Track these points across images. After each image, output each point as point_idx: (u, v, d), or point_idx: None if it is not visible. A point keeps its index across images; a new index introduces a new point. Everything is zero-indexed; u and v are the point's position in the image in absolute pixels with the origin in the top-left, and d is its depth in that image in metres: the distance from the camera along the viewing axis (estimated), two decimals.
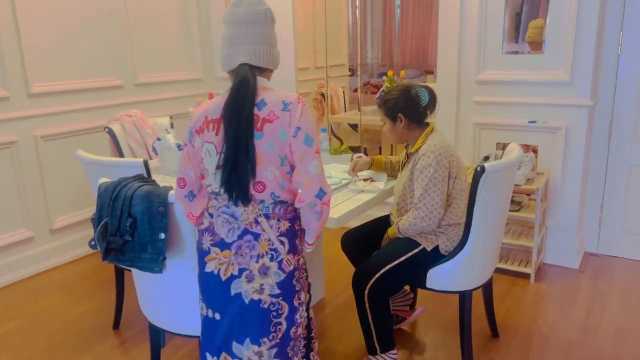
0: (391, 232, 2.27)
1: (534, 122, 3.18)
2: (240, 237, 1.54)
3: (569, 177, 3.18)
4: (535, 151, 3.22)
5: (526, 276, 3.13)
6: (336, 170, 2.72)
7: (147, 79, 3.97)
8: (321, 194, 1.51)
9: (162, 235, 1.71)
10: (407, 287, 2.68)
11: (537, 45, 3.13)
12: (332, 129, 4.97)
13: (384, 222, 2.45)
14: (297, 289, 1.59)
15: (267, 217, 1.52)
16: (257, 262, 1.54)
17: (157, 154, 2.91)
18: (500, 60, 3.25)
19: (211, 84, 4.48)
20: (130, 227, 1.70)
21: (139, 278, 1.98)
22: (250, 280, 1.55)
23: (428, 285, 2.21)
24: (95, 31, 3.59)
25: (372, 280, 2.14)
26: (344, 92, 5.33)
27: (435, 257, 2.18)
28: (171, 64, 4.18)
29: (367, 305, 2.16)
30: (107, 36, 3.66)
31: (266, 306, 1.55)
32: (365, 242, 2.46)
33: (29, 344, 2.60)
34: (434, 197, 2.09)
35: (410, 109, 2.19)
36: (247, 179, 1.47)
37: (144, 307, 2.04)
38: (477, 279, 2.23)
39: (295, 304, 1.59)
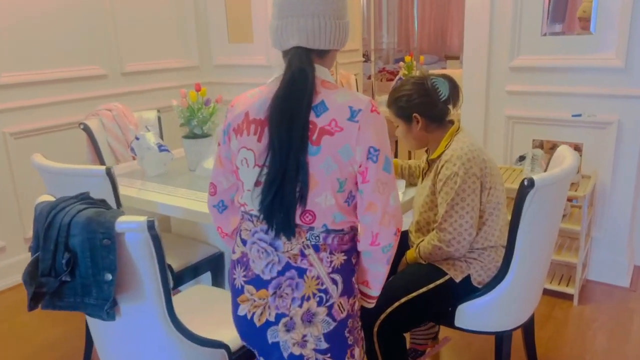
0: (410, 255, 1.84)
1: (579, 115, 2.70)
2: (281, 273, 1.21)
3: (619, 180, 2.70)
4: (579, 150, 2.74)
5: (568, 297, 2.68)
6: None
7: (135, 67, 3.55)
8: (396, 232, 1.20)
9: (108, 276, 1.29)
10: None
11: (590, 24, 2.64)
12: None
13: (400, 239, 2.01)
14: (350, 342, 1.24)
15: (316, 248, 1.19)
16: (301, 306, 1.20)
17: (135, 155, 2.51)
18: (538, 43, 2.76)
19: (208, 71, 4.05)
20: (67, 265, 1.29)
21: (91, 321, 1.58)
22: (289, 329, 1.22)
23: (457, 323, 1.78)
24: (73, 14, 3.17)
25: (383, 315, 1.71)
26: (356, 80, 4.87)
27: (466, 289, 1.74)
28: (163, 50, 3.75)
29: (376, 345, 1.73)
30: (87, 19, 3.24)
31: None
32: None
33: None
34: (463, 214, 1.65)
35: (427, 106, 1.74)
36: (293, 206, 1.14)
37: (101, 354, 1.64)
38: (519, 316, 1.79)
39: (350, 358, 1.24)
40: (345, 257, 1.21)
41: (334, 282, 1.19)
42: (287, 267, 1.20)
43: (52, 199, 1.44)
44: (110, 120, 2.85)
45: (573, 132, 2.76)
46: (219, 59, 3.99)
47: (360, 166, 1.13)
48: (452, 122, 1.81)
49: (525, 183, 1.52)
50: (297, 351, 1.22)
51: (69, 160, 3.08)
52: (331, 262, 1.19)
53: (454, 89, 1.77)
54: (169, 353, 1.46)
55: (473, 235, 1.67)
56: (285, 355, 1.23)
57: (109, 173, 1.82)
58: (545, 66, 2.75)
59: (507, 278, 1.67)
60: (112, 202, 1.88)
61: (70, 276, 1.31)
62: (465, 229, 1.65)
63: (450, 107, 1.79)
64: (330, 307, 1.19)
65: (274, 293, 1.22)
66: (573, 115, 2.72)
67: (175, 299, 1.94)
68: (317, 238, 1.18)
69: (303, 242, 1.19)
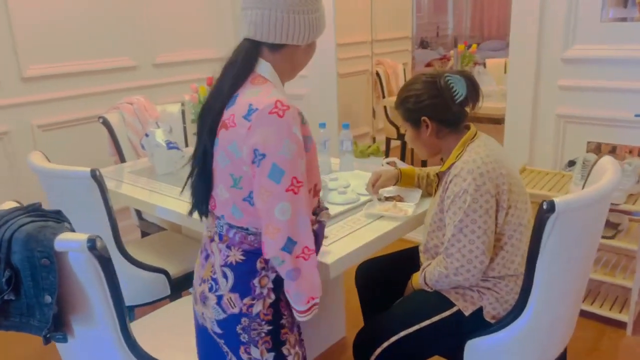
0: (415, 280, 1.61)
1: None
2: (201, 253, 1.31)
3: None
4: None
5: (621, 325, 2.32)
6: (357, 179, 2.07)
7: (166, 58, 3.48)
8: (290, 246, 1.09)
9: (48, 298, 1.17)
10: None
11: None
12: (387, 114, 4.26)
13: (411, 257, 1.79)
14: (244, 339, 1.20)
15: (220, 238, 1.22)
16: (200, 285, 1.27)
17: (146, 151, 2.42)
18: (597, 30, 2.39)
19: None
20: (7, 283, 1.19)
21: None
22: (196, 302, 1.30)
23: None
24: (103, 4, 3.12)
25: (379, 349, 1.50)
26: (404, 70, 4.57)
27: (477, 324, 1.49)
28: (196, 40, 3.65)
29: None
30: (116, 9, 3.19)
31: (212, 337, 1.26)
32: (384, 282, 1.81)
33: None
34: (473, 239, 1.40)
35: (438, 108, 1.50)
36: (202, 188, 1.22)
37: None
38: (542, 358, 1.51)
39: (243, 357, 1.22)
40: (243, 257, 1.18)
41: (225, 275, 1.19)
42: (204, 248, 1.28)
43: (13, 205, 1.35)
44: (131, 114, 2.78)
45: (636, 134, 2.38)
46: None
47: (250, 168, 1.10)
48: (468, 127, 1.55)
49: (544, 207, 1.25)
50: (201, 322, 1.28)
51: (95, 154, 3.08)
52: (227, 256, 1.20)
53: (473, 88, 1.51)
54: None
55: (485, 262, 1.42)
56: (199, 324, 1.31)
57: (95, 176, 1.72)
58: (604, 57, 2.38)
59: (525, 315, 1.41)
60: (100, 205, 1.79)
61: (15, 295, 1.21)
62: (475, 256, 1.40)
63: (468, 109, 1.54)
64: (219, 298, 1.20)
65: (197, 270, 1.30)
66: (636, 115, 2.34)
67: (163, 311, 1.83)
68: (222, 228, 1.21)
69: (214, 229, 1.23)
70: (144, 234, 2.77)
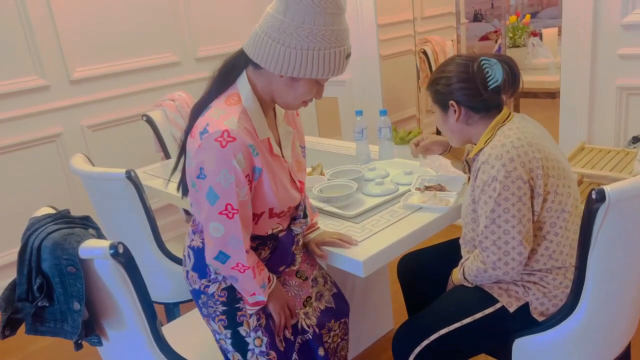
0: (455, 276, 1.52)
1: None
2: None
3: None
4: None
5: None
6: (397, 168, 1.98)
7: (207, 51, 3.49)
8: (222, 258, 1.23)
9: (77, 305, 1.18)
10: None
11: None
12: None
13: (455, 248, 1.69)
14: (204, 312, 1.38)
15: (193, 222, 1.38)
16: (184, 250, 1.43)
17: None
18: None
19: None
20: (39, 290, 1.21)
21: None
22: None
23: None
24: (140, 1, 3.15)
25: (419, 348, 1.43)
26: (453, 46, 4.36)
27: (523, 321, 1.38)
28: (237, 31, 3.63)
29: None
30: (157, 5, 3.21)
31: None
32: (427, 275, 1.73)
33: None
34: (507, 229, 1.29)
35: (468, 93, 1.39)
36: (182, 178, 1.34)
37: None
38: (598, 358, 1.39)
39: (208, 325, 1.40)
40: (202, 244, 1.30)
41: (189, 255, 1.36)
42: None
43: (50, 211, 1.37)
44: (174, 110, 2.81)
45: None
46: None
47: (196, 180, 1.20)
48: (499, 111, 1.42)
49: (594, 196, 1.12)
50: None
51: (144, 152, 3.14)
52: (192, 239, 1.35)
53: (511, 74, 1.38)
54: None
55: (524, 253, 1.31)
56: None
57: (130, 176, 1.73)
58: None
59: (577, 313, 1.29)
60: (138, 205, 1.80)
61: (48, 301, 1.23)
62: (512, 247, 1.30)
63: (505, 97, 1.41)
64: (187, 273, 1.37)
65: None
66: None
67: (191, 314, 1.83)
68: (193, 214, 1.35)
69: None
70: None
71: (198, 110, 1.24)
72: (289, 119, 1.38)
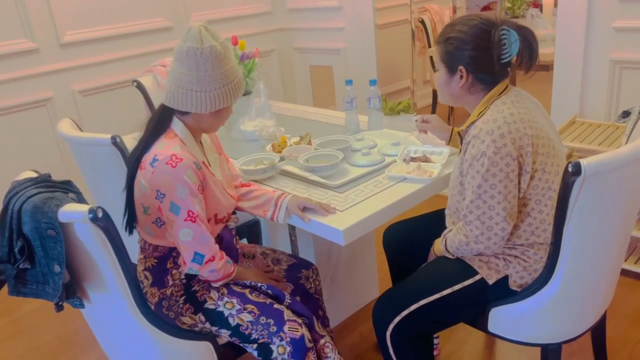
0: (437, 246, 1.53)
1: None
2: None
3: None
4: None
5: None
6: (385, 138, 1.97)
7: (202, 16, 3.43)
8: (198, 258, 1.38)
9: (57, 268, 1.20)
10: None
11: None
12: (433, 65, 4.04)
13: (440, 218, 1.70)
14: (172, 315, 1.46)
15: (141, 249, 1.50)
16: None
17: None
18: None
19: (281, 17, 3.82)
20: (21, 252, 1.22)
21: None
22: None
23: (491, 329, 1.47)
24: None
25: (398, 318, 1.45)
26: (451, 16, 4.29)
27: (501, 292, 1.41)
28: None
29: (391, 350, 1.49)
30: None
31: None
32: (412, 245, 1.75)
33: None
34: (492, 205, 1.30)
35: (481, 62, 1.35)
36: (127, 209, 1.44)
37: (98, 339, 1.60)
38: (573, 328, 1.42)
39: (185, 324, 1.47)
40: (156, 261, 1.46)
41: (146, 277, 1.48)
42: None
43: (32, 175, 1.37)
44: (164, 76, 2.78)
45: None
46: (291, 2, 3.72)
47: (155, 202, 1.35)
48: (497, 82, 1.40)
49: (570, 169, 1.13)
50: None
51: (136, 118, 3.09)
52: (144, 263, 1.48)
53: (529, 48, 1.33)
54: (145, 345, 1.37)
55: (507, 229, 1.32)
56: None
57: (115, 142, 1.73)
58: None
59: (552, 284, 1.31)
60: (123, 171, 1.80)
61: (30, 263, 1.25)
62: (496, 223, 1.31)
63: (518, 70, 1.38)
64: (145, 293, 1.48)
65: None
66: None
67: None
68: (141, 242, 1.49)
69: (139, 243, 1.51)
70: None
71: (138, 157, 1.38)
72: (215, 145, 1.60)
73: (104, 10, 3.03)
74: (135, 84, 2.71)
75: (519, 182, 1.30)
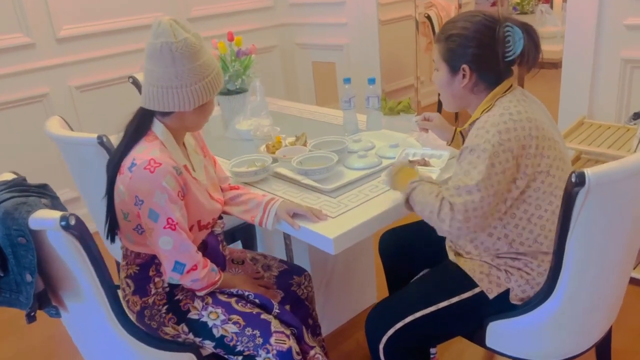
0: (404, 183, 1.39)
1: None
2: None
3: None
4: None
5: None
6: (384, 139, 1.90)
7: (201, 11, 3.37)
8: (179, 268, 1.31)
9: (29, 277, 1.14)
10: None
11: None
12: None
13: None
14: (154, 325, 1.39)
15: (124, 257, 1.45)
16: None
17: None
18: None
19: (284, 12, 3.74)
20: None
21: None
22: None
23: (488, 343, 1.39)
24: None
25: (392, 330, 1.38)
26: (458, 10, 4.19)
27: (501, 305, 1.33)
28: None
29: None
30: None
31: None
32: (408, 252, 1.68)
33: None
34: (474, 175, 1.21)
35: (485, 60, 1.28)
36: (113, 219, 1.39)
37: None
38: (574, 344, 1.34)
39: (168, 335, 1.40)
40: (138, 268, 1.40)
41: (127, 285, 1.42)
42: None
43: (8, 177, 1.32)
44: None
45: None
46: None
47: (134, 208, 1.29)
48: (501, 81, 1.32)
49: (573, 180, 1.05)
50: None
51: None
52: (127, 270, 1.42)
53: (533, 45, 1.27)
54: (125, 356, 1.32)
55: (479, 225, 1.24)
56: None
57: (102, 142, 1.67)
58: None
59: (554, 298, 1.24)
60: None
61: (3, 271, 1.19)
62: (468, 191, 1.21)
63: (523, 68, 1.31)
64: (127, 302, 1.42)
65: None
66: None
67: None
68: (123, 249, 1.43)
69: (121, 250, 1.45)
70: None
71: (117, 163, 1.32)
72: (200, 146, 1.53)
73: (101, 5, 2.97)
74: (130, 80, 2.65)
75: (511, 189, 1.23)
